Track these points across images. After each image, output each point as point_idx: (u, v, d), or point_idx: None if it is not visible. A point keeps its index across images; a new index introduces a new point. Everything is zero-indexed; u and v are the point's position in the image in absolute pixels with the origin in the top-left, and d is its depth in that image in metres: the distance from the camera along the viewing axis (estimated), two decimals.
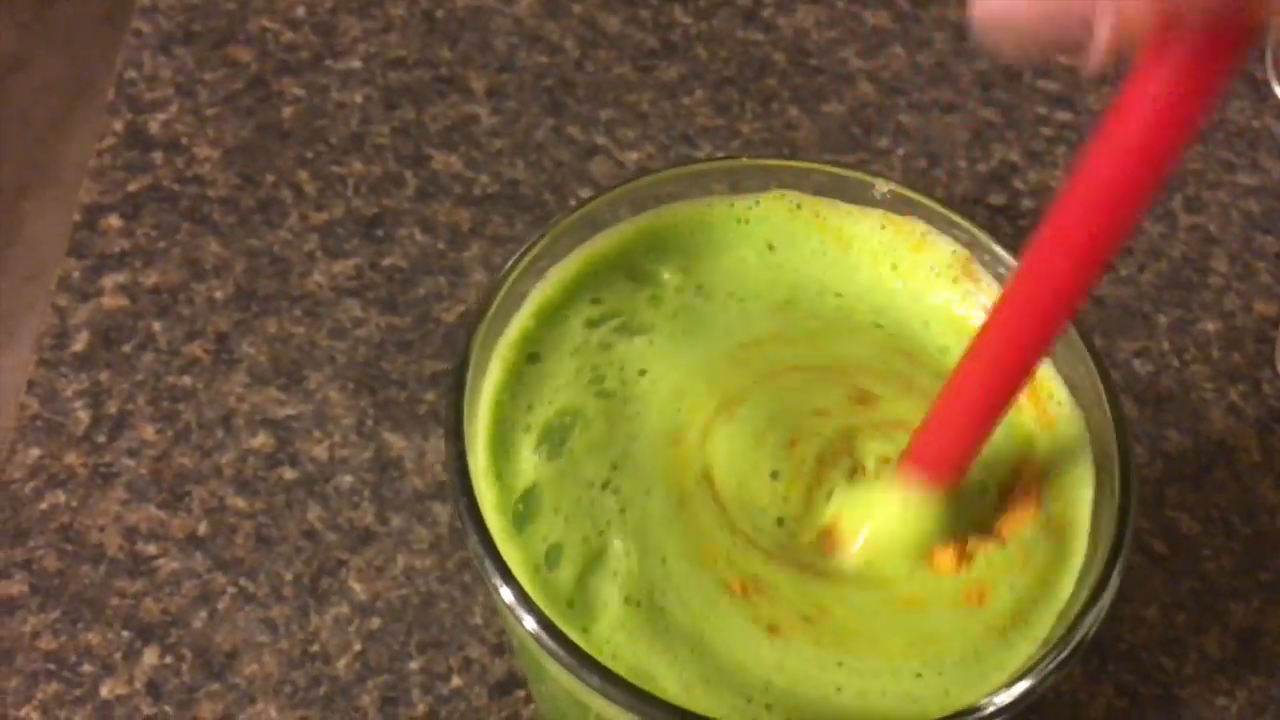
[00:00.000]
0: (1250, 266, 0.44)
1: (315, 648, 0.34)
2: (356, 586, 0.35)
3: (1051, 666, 0.20)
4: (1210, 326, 0.42)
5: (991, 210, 0.45)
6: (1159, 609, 0.36)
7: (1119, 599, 0.36)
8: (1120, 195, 0.15)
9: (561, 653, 0.17)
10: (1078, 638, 0.20)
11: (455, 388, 0.19)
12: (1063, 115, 0.48)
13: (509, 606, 0.18)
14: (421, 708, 0.34)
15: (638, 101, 0.47)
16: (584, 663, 0.17)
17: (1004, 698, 0.19)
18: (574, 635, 0.18)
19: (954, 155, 0.46)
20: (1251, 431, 0.40)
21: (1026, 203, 0.45)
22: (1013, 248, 0.24)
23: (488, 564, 0.18)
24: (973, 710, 0.19)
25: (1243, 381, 0.41)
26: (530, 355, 0.21)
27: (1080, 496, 0.21)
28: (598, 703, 0.19)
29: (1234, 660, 0.36)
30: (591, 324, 0.22)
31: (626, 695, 0.17)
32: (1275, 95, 0.49)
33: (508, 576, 0.18)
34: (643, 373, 0.22)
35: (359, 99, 0.46)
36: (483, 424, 0.20)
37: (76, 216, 0.42)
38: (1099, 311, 0.42)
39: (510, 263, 0.22)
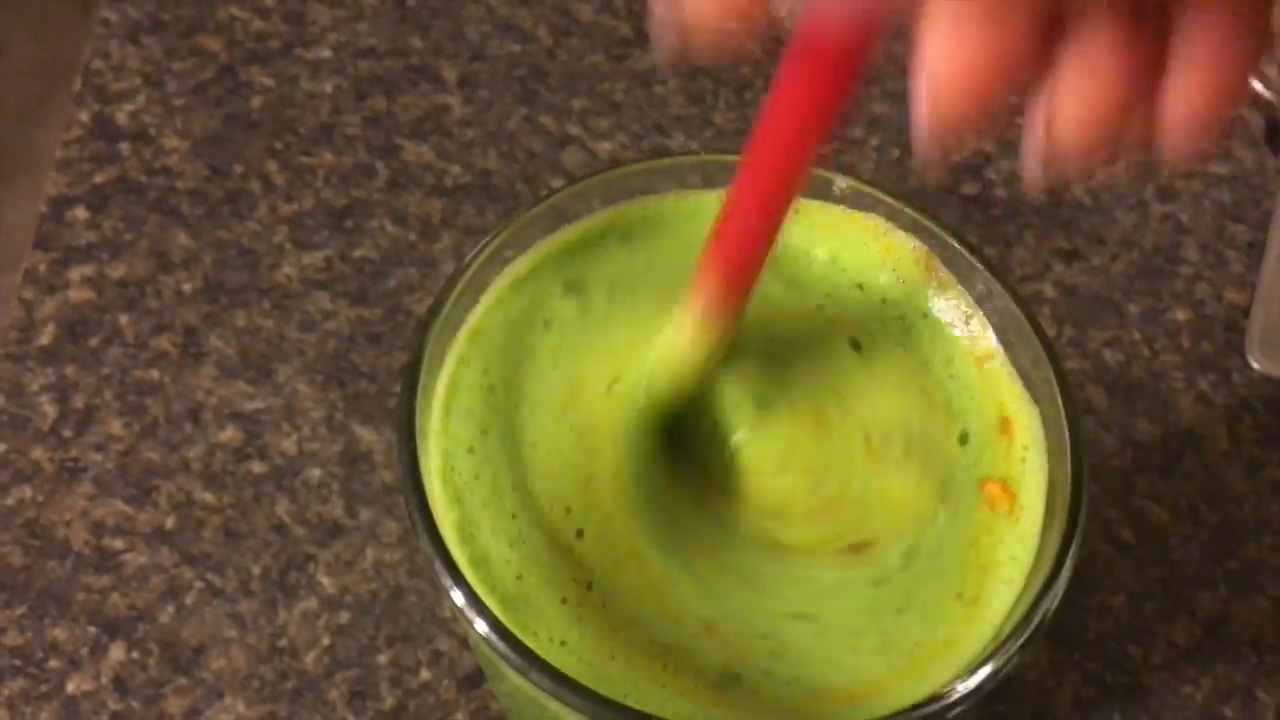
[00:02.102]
0: (1221, 255, 0.44)
1: (283, 642, 0.34)
2: (325, 580, 0.35)
3: (1012, 651, 0.19)
4: (1181, 316, 0.43)
5: (964, 200, 0.45)
6: (1127, 597, 0.37)
7: (1090, 588, 0.36)
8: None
9: (513, 655, 0.17)
10: (1035, 621, 0.20)
11: (408, 385, 0.19)
12: None
13: (460, 609, 0.18)
14: (390, 701, 0.33)
15: (611, 91, 0.47)
16: (535, 665, 0.17)
17: (965, 685, 0.19)
18: (525, 636, 0.18)
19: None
20: (1220, 421, 0.40)
21: (999, 192, 0.45)
22: (976, 241, 0.24)
23: (437, 564, 0.18)
24: (936, 699, 0.19)
25: (1213, 371, 0.41)
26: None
27: (1034, 485, 0.21)
28: (552, 704, 0.19)
29: (1201, 648, 0.36)
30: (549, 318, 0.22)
31: (578, 698, 0.17)
32: (1250, 86, 0.49)
33: (458, 578, 0.18)
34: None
35: (329, 89, 0.46)
36: (437, 421, 0.20)
37: (43, 208, 0.42)
38: (1069, 301, 0.42)
39: (469, 258, 0.22)
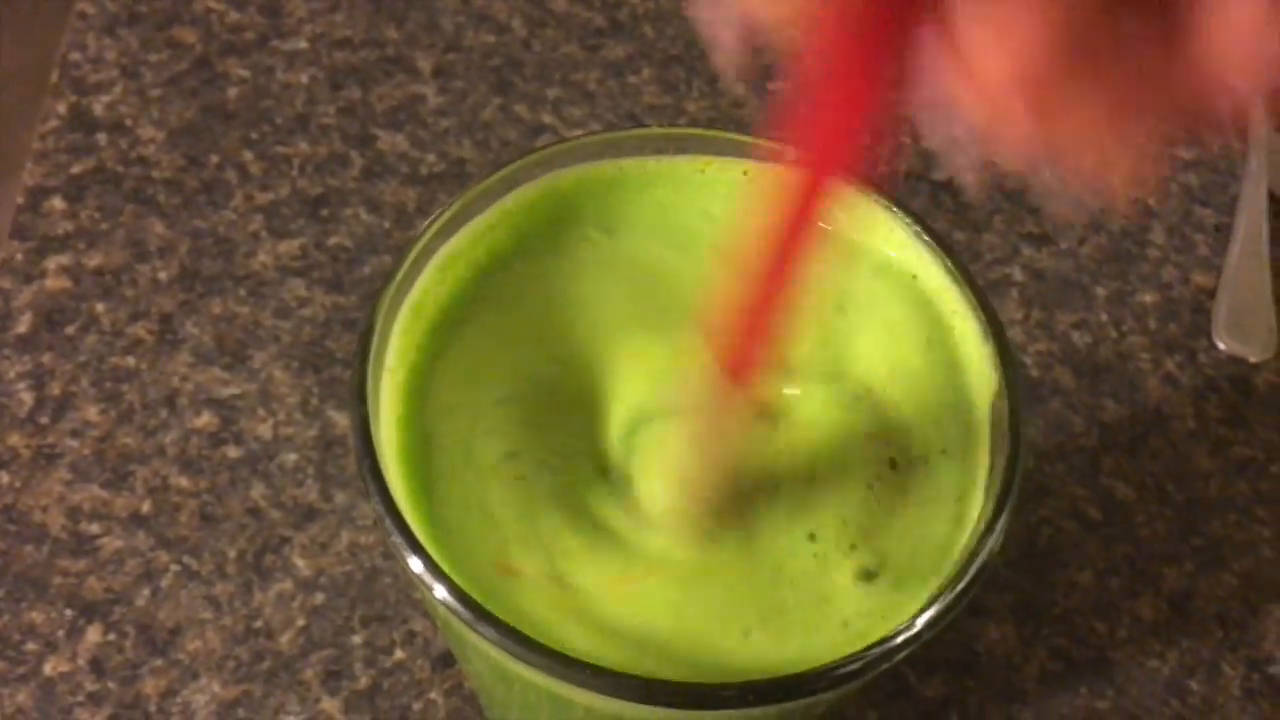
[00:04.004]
0: (1188, 239, 0.45)
1: (259, 623, 0.35)
2: (300, 563, 0.36)
3: (950, 599, 0.19)
4: (1148, 298, 0.43)
5: (934, 186, 0.45)
6: (1093, 574, 0.37)
7: (1056, 565, 0.37)
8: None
9: (471, 617, 0.17)
10: (973, 569, 0.19)
11: (360, 353, 0.19)
12: None
13: (418, 576, 0.18)
14: (365, 680, 0.34)
15: (585, 80, 0.47)
16: (496, 627, 0.17)
17: (907, 632, 0.19)
18: (487, 601, 0.18)
19: (898, 132, 0.46)
20: (1187, 401, 0.41)
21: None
22: (946, 226, 0.24)
23: (388, 522, 0.18)
24: (878, 644, 0.19)
25: (1179, 352, 0.42)
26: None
27: (980, 437, 0.21)
28: (520, 670, 0.19)
29: (1166, 623, 0.36)
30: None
31: (546, 659, 0.17)
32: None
33: (414, 544, 0.18)
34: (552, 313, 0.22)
35: (304, 79, 0.46)
36: (389, 391, 0.20)
37: (20, 199, 0.42)
38: (1038, 284, 0.43)
39: (424, 226, 0.22)
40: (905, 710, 0.34)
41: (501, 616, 0.18)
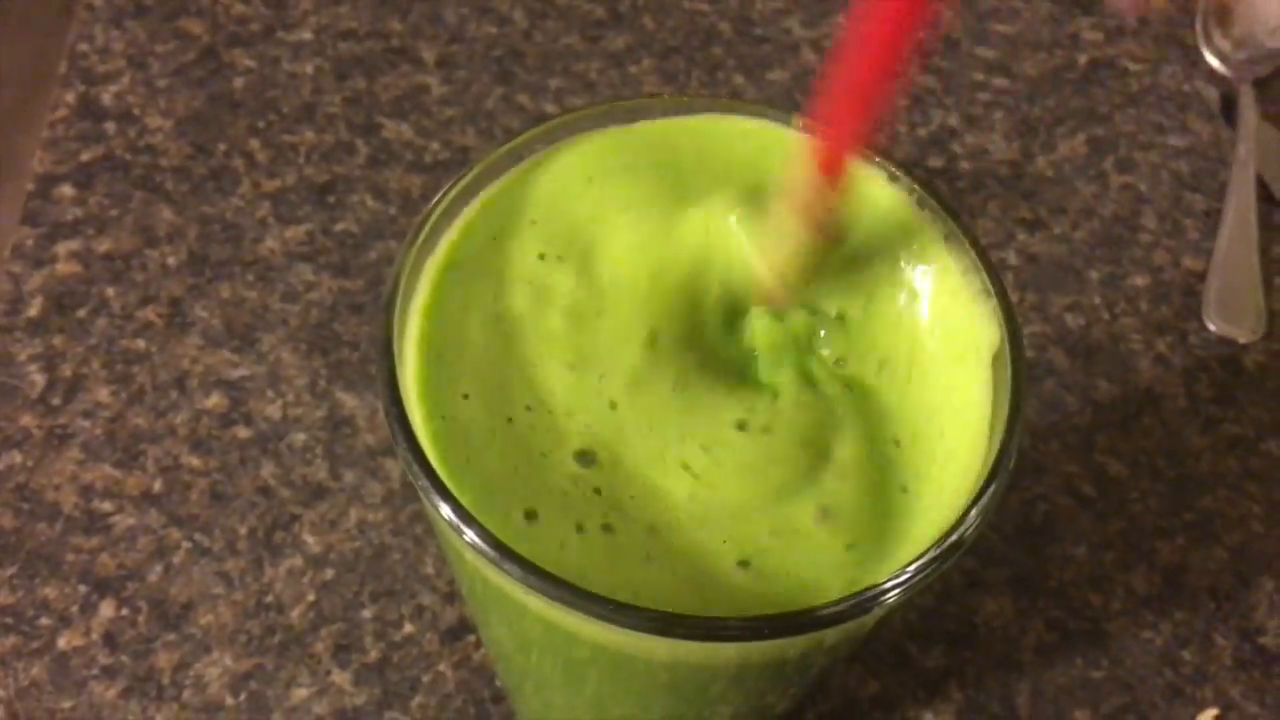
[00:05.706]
0: (1179, 224, 0.46)
1: (269, 598, 0.35)
2: (310, 540, 0.36)
3: (941, 549, 0.19)
4: (1140, 281, 0.44)
5: (931, 173, 0.46)
6: (1088, 548, 0.38)
7: (1052, 539, 0.38)
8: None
9: (497, 556, 0.18)
10: (965, 526, 0.20)
11: (386, 307, 0.20)
12: (999, 81, 0.49)
13: (449, 522, 0.19)
14: (374, 654, 0.34)
15: (586, 70, 0.48)
16: (521, 565, 0.18)
17: (896, 580, 0.19)
18: (520, 548, 0.18)
19: (894, 120, 0.47)
20: (1178, 380, 0.42)
21: (964, 165, 0.46)
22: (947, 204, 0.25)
23: (414, 466, 0.19)
24: (871, 588, 0.19)
25: (1170, 333, 0.43)
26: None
27: (979, 400, 0.22)
28: (542, 610, 0.19)
29: (1159, 596, 0.37)
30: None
31: (567, 593, 0.18)
32: (1205, 60, 0.50)
33: (443, 490, 0.19)
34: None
35: (310, 70, 0.47)
36: (412, 342, 0.21)
37: (30, 186, 0.43)
38: (1032, 267, 0.44)
39: (443, 190, 0.23)
40: (906, 680, 0.35)
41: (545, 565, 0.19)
